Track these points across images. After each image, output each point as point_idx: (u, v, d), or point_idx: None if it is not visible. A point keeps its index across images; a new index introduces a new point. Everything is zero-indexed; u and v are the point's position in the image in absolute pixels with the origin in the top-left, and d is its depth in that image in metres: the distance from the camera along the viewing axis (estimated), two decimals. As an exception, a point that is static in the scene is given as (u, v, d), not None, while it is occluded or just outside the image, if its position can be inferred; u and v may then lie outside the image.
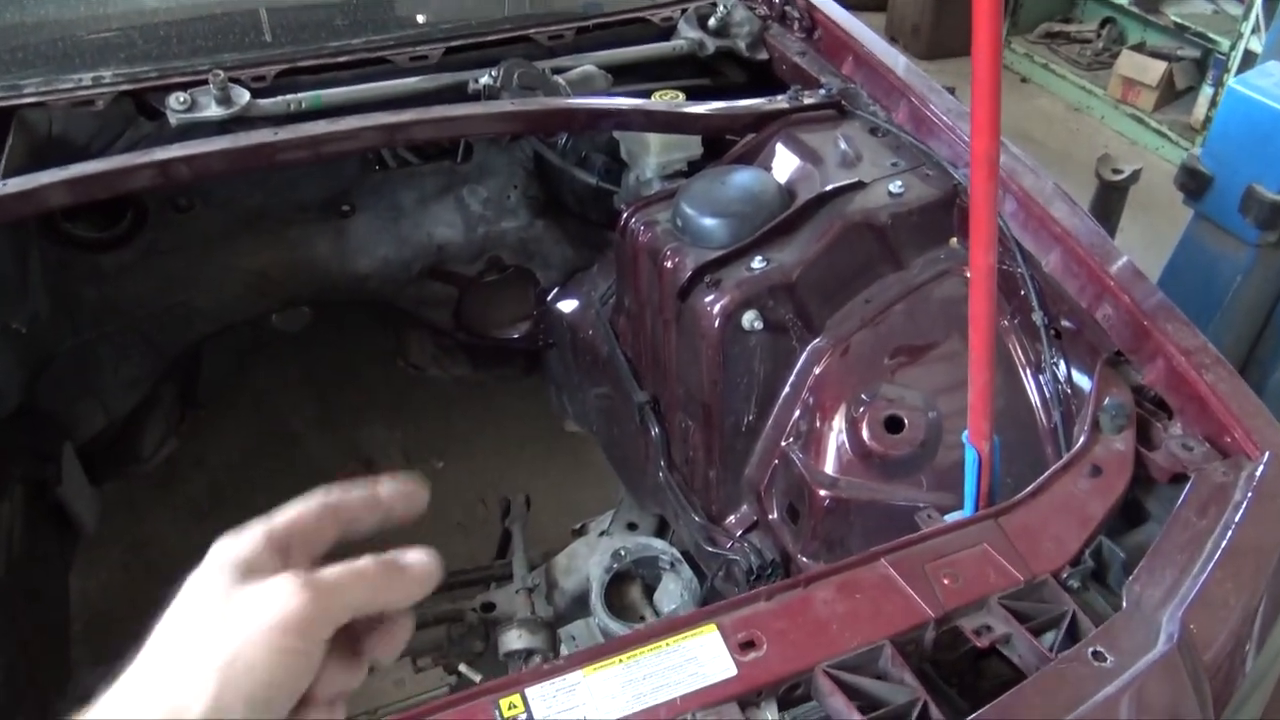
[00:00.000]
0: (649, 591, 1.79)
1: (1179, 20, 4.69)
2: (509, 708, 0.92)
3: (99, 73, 1.60)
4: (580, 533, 2.04)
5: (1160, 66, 4.73)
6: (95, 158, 1.47)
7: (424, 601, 1.80)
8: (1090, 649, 0.96)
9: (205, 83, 1.60)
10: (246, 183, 1.92)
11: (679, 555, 1.76)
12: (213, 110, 1.59)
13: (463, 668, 1.82)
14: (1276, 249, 2.50)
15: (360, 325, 2.58)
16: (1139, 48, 4.94)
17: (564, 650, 1.73)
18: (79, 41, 1.63)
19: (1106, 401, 1.23)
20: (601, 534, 1.99)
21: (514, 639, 1.78)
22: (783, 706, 0.98)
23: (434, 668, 1.82)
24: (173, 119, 1.59)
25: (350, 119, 1.55)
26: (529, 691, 0.93)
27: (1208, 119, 4.42)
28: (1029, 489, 1.14)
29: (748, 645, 0.98)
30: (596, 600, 1.72)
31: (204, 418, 2.52)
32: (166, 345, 2.01)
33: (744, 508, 1.65)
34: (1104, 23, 5.32)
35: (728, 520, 1.67)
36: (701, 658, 0.97)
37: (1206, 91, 4.58)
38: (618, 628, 1.63)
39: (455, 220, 2.11)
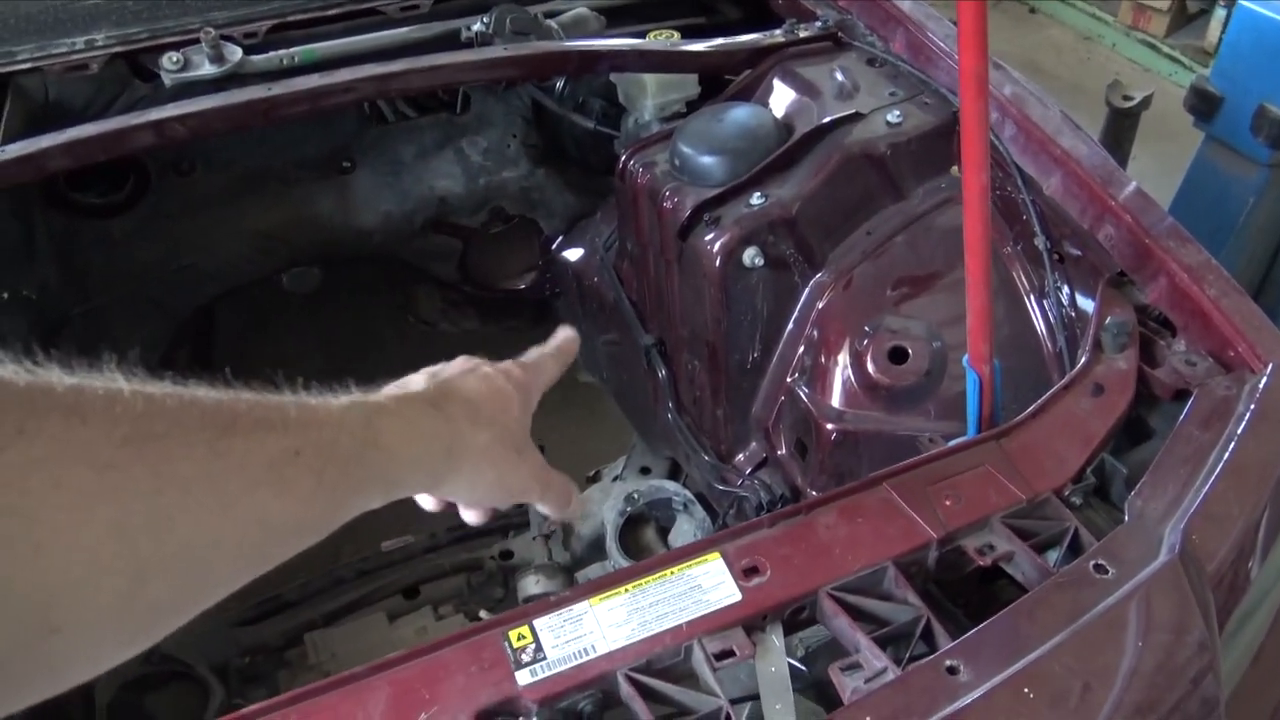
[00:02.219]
0: (663, 533, 1.81)
1: (1191, -60, 4.59)
2: (518, 639, 0.94)
3: (91, 36, 1.60)
4: (594, 479, 2.06)
5: (1172, -11, 4.64)
6: (92, 120, 1.48)
7: (443, 552, 1.82)
8: (1092, 562, 0.97)
9: (197, 42, 1.60)
10: (246, 143, 1.93)
11: (692, 496, 1.78)
12: (206, 69, 1.59)
13: (483, 614, 1.85)
14: (1289, 168, 2.46)
15: (371, 284, 2.58)
16: (1149, -29, 4.84)
17: (581, 595, 1.75)
18: (70, 6, 1.63)
19: (1108, 321, 1.22)
20: (615, 479, 2.01)
21: (532, 584, 1.80)
22: (788, 630, 1.00)
23: (455, 615, 1.85)
24: (167, 79, 1.59)
25: (344, 71, 1.54)
26: (537, 623, 0.95)
27: (1221, 42, 4.33)
28: (1030, 409, 1.14)
29: (751, 571, 0.99)
30: (611, 543, 1.75)
31: (220, 382, 2.54)
32: (176, 308, 2.02)
33: (752, 445, 1.66)
34: (1113, -53, 5.20)
35: (737, 458, 1.68)
36: (706, 585, 0.98)
37: (1219, 14, 4.47)
38: (633, 569, 1.65)
39: (456, 172, 2.11)
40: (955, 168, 1.59)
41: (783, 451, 1.59)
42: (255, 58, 1.62)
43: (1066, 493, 1.07)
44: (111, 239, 1.89)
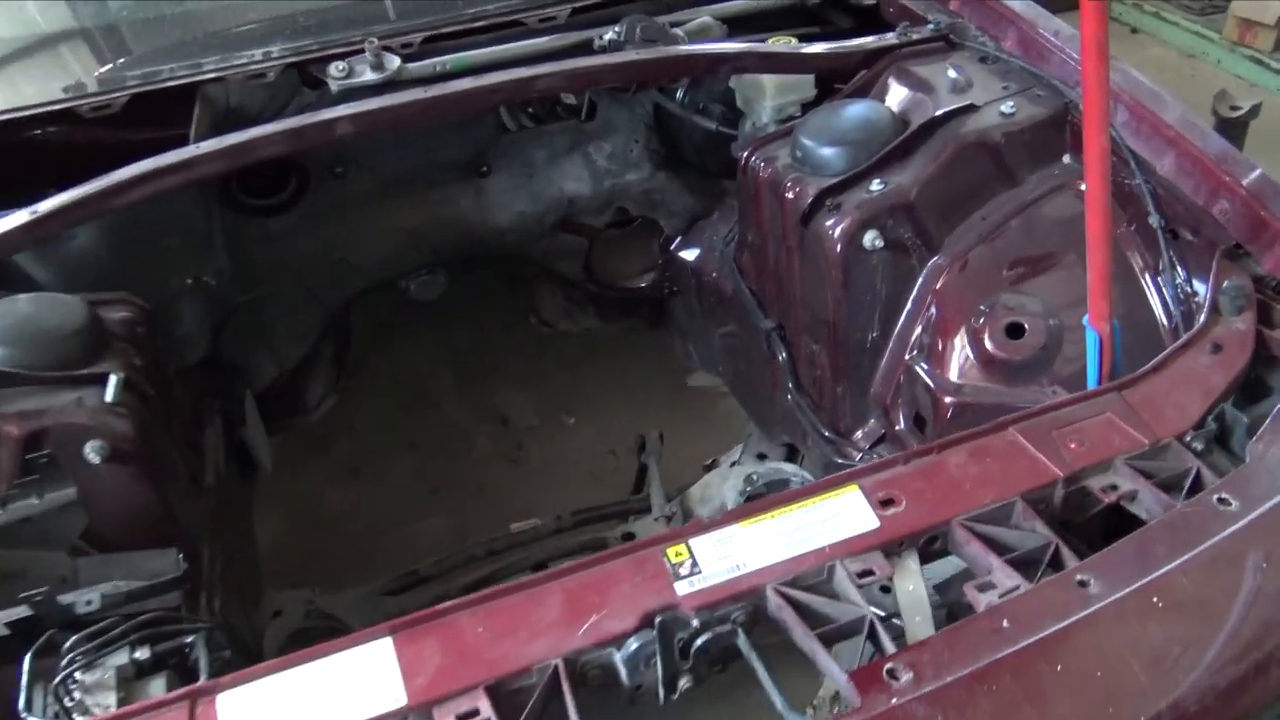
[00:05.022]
0: (781, 514, 1.88)
1: (1298, -44, 4.53)
2: (676, 555, 1.04)
3: (268, 49, 1.78)
4: (712, 466, 2.14)
5: (1279, 4, 4.57)
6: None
7: (568, 533, 1.91)
8: (1216, 495, 1.03)
9: (361, 52, 1.77)
10: (394, 148, 2.09)
11: (809, 477, 1.85)
12: (368, 75, 1.75)
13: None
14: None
15: (491, 291, 2.73)
16: (1255, -13, 4.78)
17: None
18: (249, 23, 1.82)
19: (1225, 284, 1.27)
20: (733, 464, 2.09)
21: (654, 562, 1.89)
22: (922, 560, 1.07)
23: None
24: (333, 85, 1.76)
25: (490, 75, 1.69)
26: (693, 542, 1.04)
27: (1335, 54, 4.26)
28: (1150, 364, 1.20)
29: (888, 502, 1.07)
30: (732, 521, 1.82)
31: (352, 384, 2.72)
32: (328, 299, 2.20)
33: (871, 422, 1.73)
34: (1216, -35, 5.15)
35: (856, 435, 1.75)
36: (845, 514, 1.07)
37: (1330, 27, 4.41)
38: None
39: (583, 175, 2.25)
40: (1067, 155, 1.66)
41: (901, 426, 1.66)
42: (412, 65, 1.78)
43: (1188, 439, 1.13)
44: (271, 235, 2.07)
